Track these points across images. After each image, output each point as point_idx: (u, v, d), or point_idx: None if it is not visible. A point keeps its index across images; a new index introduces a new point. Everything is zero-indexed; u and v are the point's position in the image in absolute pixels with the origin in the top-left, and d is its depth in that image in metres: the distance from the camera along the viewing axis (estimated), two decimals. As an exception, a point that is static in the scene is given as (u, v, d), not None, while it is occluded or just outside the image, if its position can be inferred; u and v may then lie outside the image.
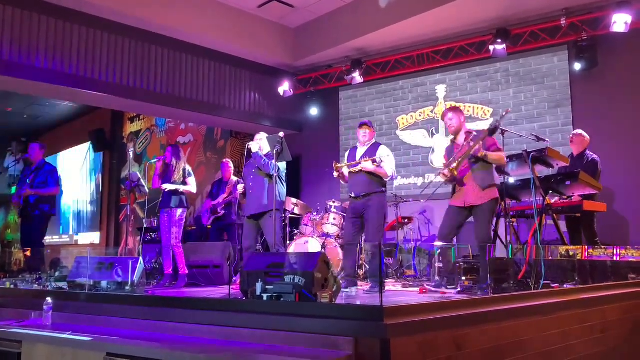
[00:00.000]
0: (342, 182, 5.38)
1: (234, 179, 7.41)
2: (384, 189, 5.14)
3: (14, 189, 12.68)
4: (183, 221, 5.98)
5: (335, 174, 5.23)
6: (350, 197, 5.20)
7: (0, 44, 6.86)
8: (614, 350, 4.07)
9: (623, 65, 6.93)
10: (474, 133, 4.76)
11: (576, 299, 3.91)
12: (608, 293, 4.27)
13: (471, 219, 4.71)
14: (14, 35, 6.97)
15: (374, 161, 4.99)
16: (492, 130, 4.70)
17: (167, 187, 5.87)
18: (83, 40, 7.57)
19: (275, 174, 5.30)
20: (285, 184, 5.57)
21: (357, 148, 5.35)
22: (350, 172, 5.20)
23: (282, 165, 5.50)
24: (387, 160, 5.08)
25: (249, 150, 5.52)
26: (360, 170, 5.07)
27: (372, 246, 5.35)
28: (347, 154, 5.46)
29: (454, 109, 4.90)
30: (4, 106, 13.06)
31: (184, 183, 5.94)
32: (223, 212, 7.25)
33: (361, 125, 5.33)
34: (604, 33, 6.86)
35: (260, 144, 5.59)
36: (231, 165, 7.53)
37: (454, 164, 4.49)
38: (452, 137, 4.94)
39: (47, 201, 6.46)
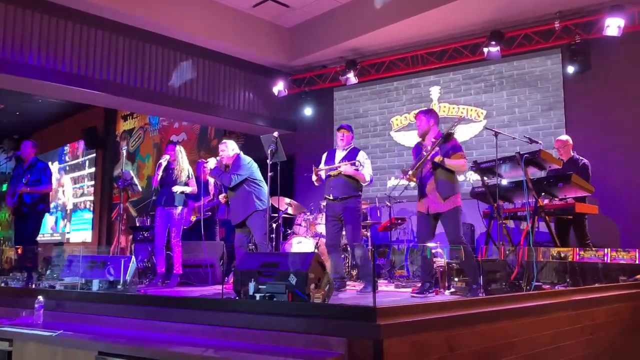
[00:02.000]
0: (316, 184, 5.41)
1: (212, 179, 7.37)
2: (360, 192, 5.28)
3: (5, 187, 12.60)
4: (183, 219, 6.01)
5: (314, 177, 5.30)
6: (327, 198, 5.25)
7: (-7, 41, 6.81)
8: (603, 351, 4.10)
9: (616, 69, 6.97)
10: (433, 140, 4.80)
11: (567, 300, 3.94)
12: (599, 295, 4.30)
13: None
14: (7, 32, 6.91)
15: (353, 164, 5.06)
16: (446, 137, 4.73)
17: (178, 189, 5.88)
18: (76, 37, 7.52)
19: (234, 183, 5.40)
20: (261, 184, 5.58)
21: (335, 151, 5.43)
22: (328, 175, 5.25)
23: (248, 169, 5.51)
24: (366, 165, 5.21)
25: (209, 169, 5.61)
26: (339, 174, 5.11)
27: (360, 246, 5.37)
28: (324, 156, 5.51)
29: (426, 112, 4.98)
30: (-5, 103, 12.98)
31: (187, 184, 5.97)
32: (209, 213, 7.30)
33: (339, 128, 5.42)
34: (597, 37, 6.90)
35: (222, 154, 5.64)
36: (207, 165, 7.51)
37: (411, 172, 4.59)
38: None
39: (42, 199, 6.44)
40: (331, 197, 5.21)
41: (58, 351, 3.28)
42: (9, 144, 15.41)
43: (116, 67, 7.89)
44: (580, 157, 5.90)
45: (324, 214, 5.98)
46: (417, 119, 4.93)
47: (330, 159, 5.37)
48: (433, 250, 5.19)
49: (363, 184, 5.27)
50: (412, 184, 4.95)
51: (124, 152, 6.49)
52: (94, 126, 13.52)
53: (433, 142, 4.71)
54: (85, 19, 7.53)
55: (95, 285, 4.48)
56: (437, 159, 4.60)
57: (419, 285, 4.91)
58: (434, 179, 4.67)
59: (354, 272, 6.66)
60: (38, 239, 6.88)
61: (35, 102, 12.92)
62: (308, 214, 7.37)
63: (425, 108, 5.32)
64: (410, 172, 4.58)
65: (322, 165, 5.39)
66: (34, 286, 5.05)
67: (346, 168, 5.10)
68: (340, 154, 5.35)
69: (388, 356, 2.47)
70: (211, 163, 5.58)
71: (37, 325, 3.68)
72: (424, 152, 4.68)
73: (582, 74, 7.11)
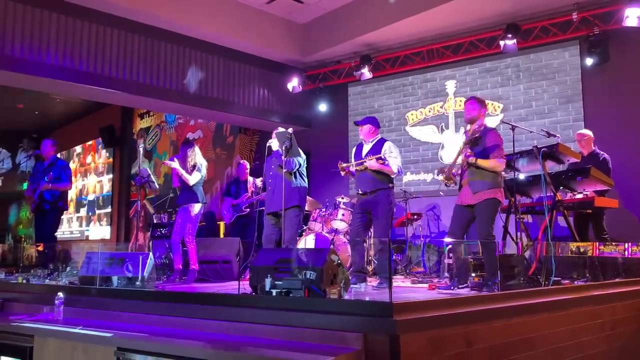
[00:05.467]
0: (352, 178, 5.39)
1: (251, 178, 7.56)
2: (391, 185, 5.13)
3: (25, 185, 12.81)
4: (199, 217, 6.01)
5: (342, 173, 5.27)
6: (358, 193, 5.21)
7: (12, 41, 6.91)
8: (624, 347, 4.05)
9: (635, 60, 6.84)
10: (482, 129, 4.70)
11: (587, 295, 3.89)
12: (619, 290, 4.24)
13: None
14: (25, 32, 7.02)
15: (378, 158, 4.99)
16: (473, 141, 4.63)
17: (171, 164, 5.89)
18: (93, 37, 7.61)
19: (295, 170, 5.35)
20: (306, 179, 5.56)
21: (362, 145, 5.36)
22: (356, 170, 5.20)
23: (302, 160, 5.50)
24: (391, 157, 5.07)
25: (269, 148, 5.57)
26: (366, 168, 5.07)
27: (380, 242, 5.33)
28: (353, 150, 5.47)
29: (479, 99, 4.84)
30: (15, 103, 13.18)
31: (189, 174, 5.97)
32: (248, 210, 7.47)
33: (355, 124, 5.40)
34: (616, 27, 6.77)
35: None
36: (248, 165, 7.78)
37: (446, 171, 4.61)
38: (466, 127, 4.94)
39: (61, 197, 6.54)
40: (360, 192, 5.17)
41: (78, 347, 3.33)
42: (28, 143, 15.67)
43: (132, 66, 7.96)
44: (601, 152, 5.82)
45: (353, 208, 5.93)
46: (469, 104, 4.76)
47: (358, 153, 5.30)
48: (449, 247, 5.13)
49: (392, 176, 5.13)
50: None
51: (141, 149, 6.52)
52: (111, 124, 13.67)
53: (466, 142, 4.66)
54: (101, 18, 7.61)
55: (114, 282, 4.53)
56: (471, 160, 4.52)
57: (436, 280, 4.87)
58: (467, 176, 4.62)
59: (370, 268, 6.64)
60: (58, 236, 6.99)
61: (54, 101, 13.10)
62: (323, 210, 7.37)
63: (471, 97, 5.15)
64: (444, 174, 4.60)
65: (352, 161, 5.35)
66: (54, 283, 5.12)
67: (371, 163, 5.01)
68: (366, 147, 5.27)
69: (405, 351, 2.46)
70: (275, 144, 5.51)
71: (58, 321, 3.74)
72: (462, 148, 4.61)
73: (601, 66, 7.00)
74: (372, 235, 5.97)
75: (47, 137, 7.27)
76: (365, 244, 5.56)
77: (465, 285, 4.51)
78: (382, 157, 4.99)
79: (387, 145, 5.17)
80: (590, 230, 5.71)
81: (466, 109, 4.80)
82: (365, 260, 6.62)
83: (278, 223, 5.44)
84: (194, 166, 6.01)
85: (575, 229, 5.64)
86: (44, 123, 15.37)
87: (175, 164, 5.76)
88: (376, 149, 5.17)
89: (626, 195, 6.35)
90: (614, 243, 5.11)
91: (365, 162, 5.06)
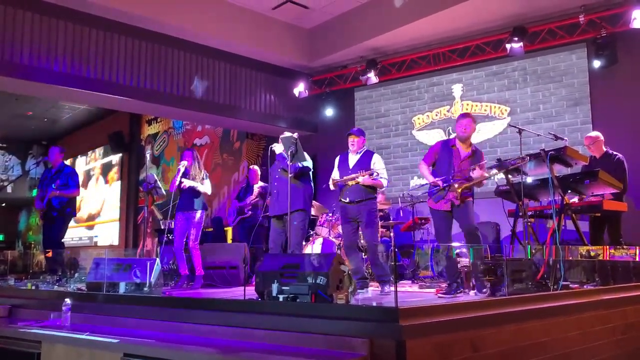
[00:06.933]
0: (332, 188, 5.42)
1: (261, 183, 7.57)
2: (376, 195, 5.31)
3: (35, 192, 12.91)
4: (202, 223, 6.04)
5: (333, 188, 5.35)
6: (343, 201, 5.22)
7: (20, 49, 6.97)
8: (636, 351, 4.00)
9: (644, 62, 6.80)
10: (474, 149, 4.94)
11: (597, 299, 3.85)
12: (630, 294, 4.19)
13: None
14: (34, 40, 7.08)
15: (371, 174, 5.06)
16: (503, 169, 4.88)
17: (187, 182, 5.91)
18: (101, 44, 7.66)
19: (304, 172, 5.36)
20: (312, 183, 5.56)
21: (347, 155, 5.39)
22: (347, 184, 5.24)
23: (309, 163, 5.50)
24: (382, 172, 5.20)
25: (272, 151, 5.55)
26: (357, 183, 5.14)
27: (378, 246, 5.33)
28: (337, 160, 5.46)
29: (473, 117, 5.02)
30: (24, 110, 13.31)
31: (201, 184, 6.02)
32: (250, 212, 7.51)
33: (348, 134, 5.39)
34: (623, 30, 6.73)
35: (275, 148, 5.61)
36: (259, 171, 7.84)
37: (462, 187, 4.66)
38: (454, 137, 5.02)
39: (69, 203, 6.57)
40: (347, 200, 5.19)
41: (85, 352, 3.34)
42: (37, 150, 15.82)
43: (140, 73, 8.01)
44: (615, 152, 5.76)
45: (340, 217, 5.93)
46: (466, 122, 4.88)
47: (344, 164, 5.34)
48: (457, 250, 5.13)
49: (381, 190, 5.28)
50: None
51: (149, 156, 6.58)
52: (119, 131, 13.75)
53: (491, 168, 4.90)
54: (109, 26, 7.67)
55: (121, 288, 4.53)
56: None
57: (444, 285, 4.86)
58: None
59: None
60: (66, 243, 7.02)
61: (62, 108, 13.21)
62: (330, 214, 7.36)
63: (467, 112, 5.33)
64: (461, 188, 4.65)
65: (335, 170, 5.39)
66: (62, 289, 5.14)
67: (365, 179, 5.08)
68: (353, 158, 5.31)
69: (411, 357, 2.44)
70: (278, 148, 5.50)
71: (65, 327, 3.75)
72: (473, 173, 4.72)
73: (608, 68, 6.95)
74: (365, 241, 5.97)
75: (55, 144, 7.34)
76: (358, 249, 5.57)
77: (460, 290, 4.54)
78: (374, 174, 5.07)
79: (376, 159, 5.26)
80: (606, 234, 5.64)
81: (463, 126, 4.88)
82: (365, 264, 6.60)
83: (283, 226, 5.45)
84: (202, 173, 6.08)
85: (590, 232, 5.60)
86: (53, 130, 15.49)
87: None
88: (364, 161, 5.24)
89: (636, 197, 6.28)
90: (625, 247, 5.05)
91: (358, 178, 5.11)
